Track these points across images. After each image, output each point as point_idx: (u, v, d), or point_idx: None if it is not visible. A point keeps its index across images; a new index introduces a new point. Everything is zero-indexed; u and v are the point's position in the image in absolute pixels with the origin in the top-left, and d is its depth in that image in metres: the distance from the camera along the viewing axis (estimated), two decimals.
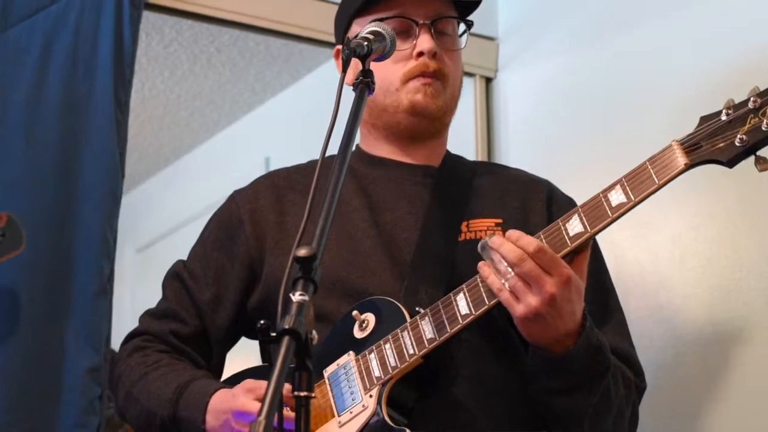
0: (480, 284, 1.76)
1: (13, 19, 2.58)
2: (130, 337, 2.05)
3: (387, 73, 1.93)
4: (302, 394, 1.30)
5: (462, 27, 2.05)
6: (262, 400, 1.22)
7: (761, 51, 2.39)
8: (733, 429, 2.35)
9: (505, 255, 1.68)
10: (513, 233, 1.70)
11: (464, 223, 1.96)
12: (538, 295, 1.67)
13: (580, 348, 1.73)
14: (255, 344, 2.04)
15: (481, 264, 1.73)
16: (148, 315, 2.05)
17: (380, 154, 2.05)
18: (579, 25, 2.94)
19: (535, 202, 2.01)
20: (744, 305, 2.36)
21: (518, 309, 1.69)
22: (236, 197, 2.07)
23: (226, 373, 2.02)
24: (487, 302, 1.74)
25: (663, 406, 2.42)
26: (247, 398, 1.73)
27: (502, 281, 1.70)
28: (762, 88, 1.64)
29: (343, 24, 2.07)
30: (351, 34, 2.02)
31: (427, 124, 2.00)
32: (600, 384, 1.79)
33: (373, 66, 1.72)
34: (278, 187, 2.05)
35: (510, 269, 1.68)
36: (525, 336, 1.75)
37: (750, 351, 2.34)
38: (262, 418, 1.18)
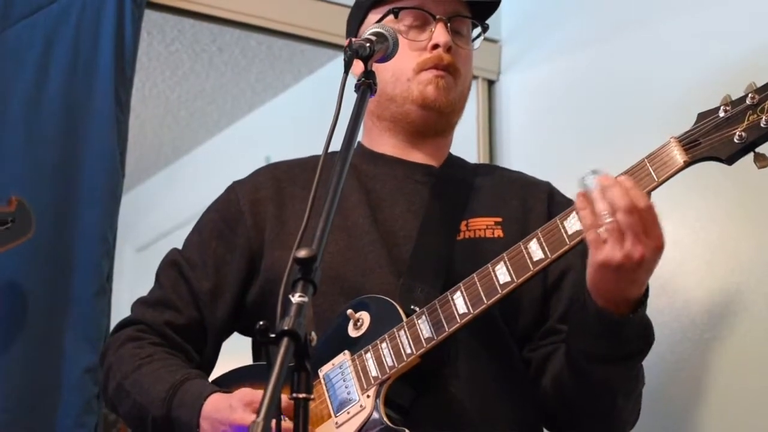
0: (478, 282, 1.75)
1: (14, 17, 2.57)
2: (123, 325, 2.01)
3: (400, 62, 1.92)
4: (301, 395, 1.30)
5: (476, 31, 2.06)
6: (260, 402, 1.21)
7: (761, 51, 2.39)
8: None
9: (613, 198, 1.61)
10: (627, 181, 1.64)
11: (463, 222, 1.96)
12: (628, 251, 1.61)
13: (637, 317, 1.70)
14: (247, 343, 2.03)
15: (579, 194, 1.66)
16: (142, 303, 2.02)
17: (382, 151, 2.05)
18: (581, 28, 2.94)
19: (534, 202, 2.00)
20: (744, 309, 2.36)
21: (600, 254, 1.63)
22: (236, 188, 2.05)
23: (218, 371, 2.00)
24: (485, 300, 1.74)
25: (662, 409, 2.42)
26: (245, 412, 1.71)
27: (596, 221, 1.63)
28: (758, 85, 1.64)
29: (358, 16, 2.07)
30: (366, 24, 2.03)
31: (435, 118, 2.00)
32: (640, 360, 1.78)
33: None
34: (279, 180, 2.04)
35: (607, 213, 1.62)
36: (590, 283, 1.68)
37: (750, 354, 2.33)
38: (260, 419, 1.18)
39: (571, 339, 1.80)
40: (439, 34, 1.97)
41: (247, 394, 1.75)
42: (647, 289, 1.72)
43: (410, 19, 1.99)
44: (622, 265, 1.62)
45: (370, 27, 1.78)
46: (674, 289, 2.51)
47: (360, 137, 2.10)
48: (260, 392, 1.70)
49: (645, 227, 1.62)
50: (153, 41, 3.70)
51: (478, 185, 2.03)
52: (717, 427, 2.37)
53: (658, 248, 1.65)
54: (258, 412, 1.19)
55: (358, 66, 1.71)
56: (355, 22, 2.09)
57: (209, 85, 4.07)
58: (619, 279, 1.65)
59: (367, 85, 1.67)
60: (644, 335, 1.75)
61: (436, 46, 1.97)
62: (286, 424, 1.49)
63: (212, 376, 1.98)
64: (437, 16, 1.98)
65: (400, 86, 1.98)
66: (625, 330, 1.71)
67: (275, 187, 2.02)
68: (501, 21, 3.17)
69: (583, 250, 1.73)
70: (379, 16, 2.00)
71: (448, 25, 1.99)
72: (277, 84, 4.05)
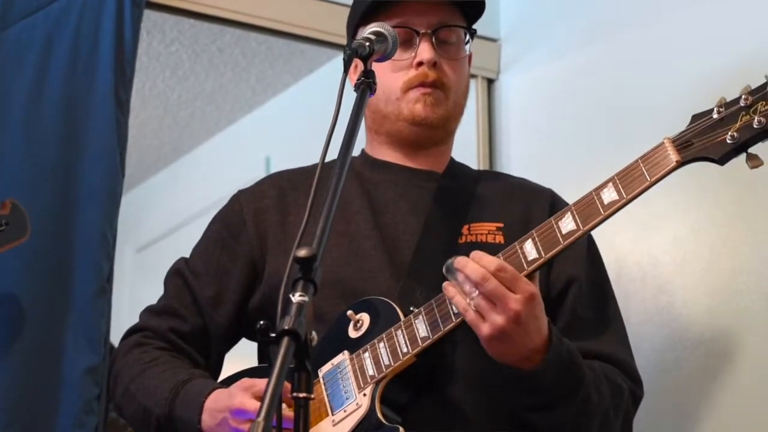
0: None
1: (14, 17, 2.57)
2: (130, 332, 2.05)
3: (388, 81, 1.94)
4: (301, 395, 1.30)
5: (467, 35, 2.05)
6: (260, 400, 1.21)
7: (759, 53, 2.39)
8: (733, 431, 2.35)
9: (469, 275, 1.69)
10: (476, 253, 1.71)
11: (465, 227, 1.96)
12: (503, 314, 1.67)
13: (549, 364, 1.73)
14: (253, 346, 2.04)
15: (446, 284, 1.73)
16: (149, 311, 2.06)
17: (384, 158, 2.06)
18: (581, 27, 2.94)
19: (536, 210, 2.01)
20: (744, 308, 2.36)
21: (484, 328, 1.69)
22: (240, 197, 2.07)
23: (224, 375, 2.02)
24: None
25: (663, 410, 2.42)
26: (244, 396, 1.73)
27: (468, 301, 1.70)
28: (753, 87, 1.65)
29: (350, 32, 2.08)
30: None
31: (429, 133, 2.00)
32: (576, 396, 1.78)
33: (376, 73, 1.72)
34: (282, 188, 2.06)
35: (472, 290, 1.69)
36: (492, 356, 1.74)
37: (750, 354, 2.33)
38: (260, 419, 1.18)
39: (504, 395, 1.82)
40: (423, 50, 1.96)
41: (245, 380, 1.77)
42: (552, 331, 1.74)
43: None
44: (505, 328, 1.68)
45: (369, 27, 1.78)
46: (674, 288, 2.51)
47: (362, 143, 2.11)
48: (260, 380, 1.73)
49: (508, 285, 1.68)
50: (153, 41, 3.70)
51: (481, 191, 2.04)
52: (716, 427, 2.37)
53: (528, 299, 1.69)
54: (258, 412, 1.20)
55: (357, 67, 1.71)
56: (348, 38, 2.09)
57: (209, 85, 4.07)
58: (512, 341, 1.70)
59: (366, 85, 1.67)
60: (569, 373, 1.76)
61: (420, 64, 1.96)
62: (286, 412, 1.50)
63: (218, 381, 1.99)
64: (420, 31, 1.97)
65: (391, 105, 1.99)
66: (544, 378, 1.74)
67: (278, 195, 2.04)
68: (500, 20, 3.17)
69: (592, 260, 1.73)
70: None
71: (433, 38, 1.98)
72: (277, 84, 4.05)
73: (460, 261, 1.71)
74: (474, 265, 1.69)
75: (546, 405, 1.78)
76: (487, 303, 1.68)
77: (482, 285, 1.67)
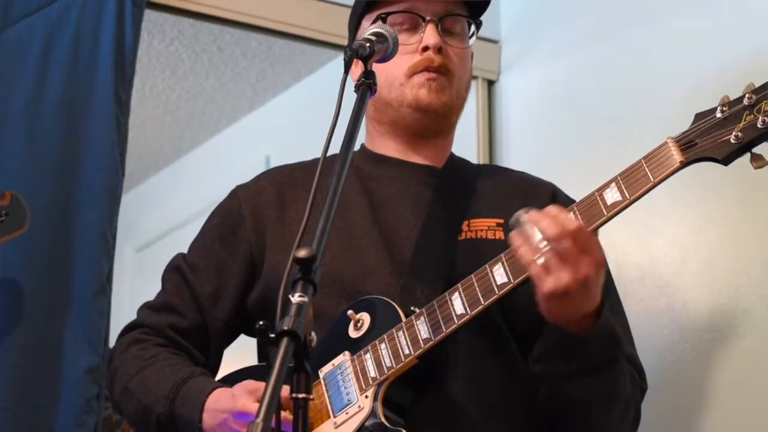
0: (475, 283, 1.75)
1: (14, 17, 2.57)
2: (128, 329, 2.04)
3: (392, 67, 1.92)
4: (301, 395, 1.30)
5: (472, 27, 2.05)
6: (260, 402, 1.21)
7: (760, 52, 2.39)
8: None
9: (543, 230, 1.64)
10: (552, 208, 1.67)
11: (465, 223, 1.96)
12: (572, 274, 1.64)
13: (598, 329, 1.72)
14: (253, 343, 2.04)
15: (513, 233, 1.69)
16: (147, 308, 2.05)
17: (384, 153, 2.06)
18: (581, 28, 2.94)
19: (537, 204, 1.99)
20: (744, 310, 2.36)
21: (548, 284, 1.65)
22: (238, 193, 2.07)
23: (223, 372, 2.02)
24: (482, 301, 1.74)
25: (662, 410, 2.42)
26: (248, 399, 1.73)
27: (534, 256, 1.66)
28: (757, 85, 1.64)
29: (353, 24, 2.08)
30: (361, 31, 2.03)
31: (431, 120, 2.00)
32: (610, 371, 1.78)
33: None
34: (280, 184, 2.05)
35: (543, 244, 1.65)
36: (545, 313, 1.71)
37: (749, 355, 2.33)
38: (259, 420, 1.18)
39: (541, 361, 1.82)
40: (429, 35, 1.96)
41: (249, 383, 1.77)
42: (604, 300, 1.74)
43: (400, 23, 1.97)
44: (570, 288, 1.65)
45: (369, 28, 1.78)
46: (674, 289, 2.51)
47: (362, 139, 2.10)
48: (263, 383, 1.73)
49: (581, 247, 1.64)
50: (153, 41, 3.70)
51: (481, 186, 2.04)
52: (716, 428, 2.37)
53: (599, 263, 1.67)
54: (258, 413, 1.20)
55: (357, 68, 1.71)
56: (351, 32, 2.10)
57: (209, 85, 4.07)
58: (571, 301, 1.68)
59: (366, 86, 1.67)
60: (611, 343, 1.77)
61: (426, 49, 1.96)
62: (286, 414, 1.50)
63: (217, 377, 1.99)
64: (427, 18, 1.98)
65: (395, 91, 1.98)
66: (590, 344, 1.73)
67: (277, 190, 2.04)
68: (500, 21, 3.17)
69: None
70: (369, 23, 2.00)
71: (439, 25, 1.98)
72: (277, 84, 4.05)
73: (533, 215, 1.67)
74: (549, 220, 1.65)
75: (583, 372, 1.76)
76: (557, 260, 1.64)
77: (558, 241, 1.63)
